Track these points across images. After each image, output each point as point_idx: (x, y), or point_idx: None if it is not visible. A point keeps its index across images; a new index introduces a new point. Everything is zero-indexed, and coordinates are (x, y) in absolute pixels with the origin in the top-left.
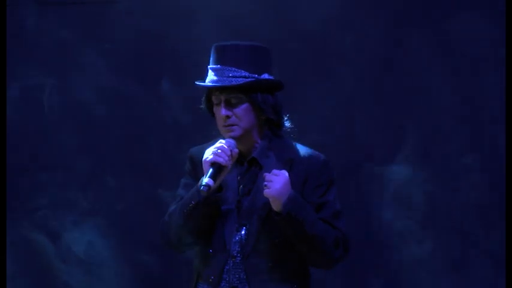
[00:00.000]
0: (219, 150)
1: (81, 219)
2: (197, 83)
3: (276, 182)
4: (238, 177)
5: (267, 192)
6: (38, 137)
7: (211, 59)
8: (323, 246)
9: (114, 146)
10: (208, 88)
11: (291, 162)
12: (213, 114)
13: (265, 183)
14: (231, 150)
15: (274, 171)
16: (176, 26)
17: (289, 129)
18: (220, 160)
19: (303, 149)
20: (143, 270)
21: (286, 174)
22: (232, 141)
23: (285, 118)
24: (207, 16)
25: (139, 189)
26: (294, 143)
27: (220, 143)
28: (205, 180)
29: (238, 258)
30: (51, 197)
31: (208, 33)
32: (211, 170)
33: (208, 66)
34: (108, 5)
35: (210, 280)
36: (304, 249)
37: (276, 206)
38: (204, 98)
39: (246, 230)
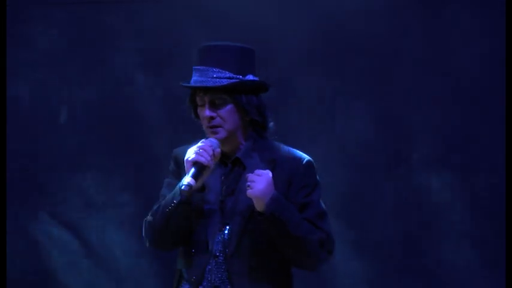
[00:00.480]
0: (200, 150)
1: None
2: (182, 83)
3: (259, 182)
4: (222, 178)
5: (249, 192)
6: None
7: (196, 59)
8: (308, 246)
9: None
10: (192, 89)
11: (274, 162)
12: (197, 116)
13: (248, 183)
14: (213, 150)
15: (257, 171)
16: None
17: (272, 131)
18: (202, 160)
19: (287, 150)
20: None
21: (270, 174)
22: (214, 140)
23: (270, 120)
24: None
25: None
26: (278, 144)
27: (203, 142)
28: (187, 179)
29: (221, 258)
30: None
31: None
32: (193, 169)
33: (193, 67)
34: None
35: (193, 280)
36: (289, 250)
37: (259, 206)
38: (188, 99)
39: (228, 229)
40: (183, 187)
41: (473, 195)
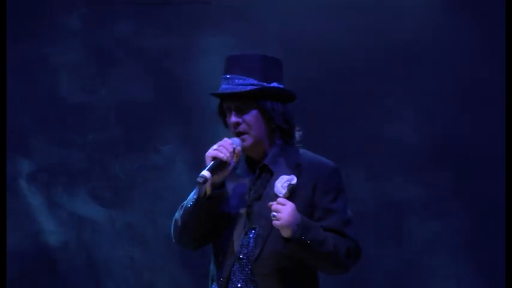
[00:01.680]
0: (220, 146)
1: None
2: (210, 92)
3: (284, 211)
4: (250, 184)
5: (276, 223)
6: None
7: (224, 69)
8: (334, 259)
9: None
10: (219, 97)
11: (299, 167)
12: (226, 124)
13: (273, 213)
14: (234, 148)
15: (280, 200)
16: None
17: (299, 139)
18: (221, 155)
19: (312, 156)
20: None
21: (292, 204)
22: (237, 139)
23: (297, 129)
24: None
25: None
26: (304, 151)
27: (225, 140)
28: (203, 172)
29: (244, 261)
30: None
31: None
32: (210, 163)
33: (221, 76)
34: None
35: (220, 281)
36: (317, 264)
37: (285, 233)
38: (217, 108)
39: (254, 233)
40: (197, 178)
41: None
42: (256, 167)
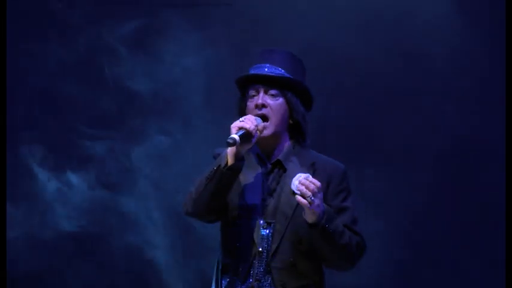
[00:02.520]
0: (246, 119)
1: None
2: (249, 72)
3: (318, 197)
4: (263, 177)
5: (308, 205)
6: None
7: (257, 59)
8: (347, 252)
9: None
10: (254, 78)
11: (314, 166)
12: (241, 112)
13: (312, 198)
14: (257, 123)
15: (318, 183)
16: None
17: (308, 144)
18: (247, 126)
19: (324, 158)
20: None
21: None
22: (259, 119)
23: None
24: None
25: None
26: (315, 152)
27: (249, 116)
28: (232, 136)
29: (264, 254)
30: None
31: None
32: (239, 131)
33: (253, 65)
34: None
35: (238, 272)
36: (331, 255)
37: (311, 218)
38: (240, 95)
39: (272, 228)
40: (228, 139)
41: None
42: (269, 161)
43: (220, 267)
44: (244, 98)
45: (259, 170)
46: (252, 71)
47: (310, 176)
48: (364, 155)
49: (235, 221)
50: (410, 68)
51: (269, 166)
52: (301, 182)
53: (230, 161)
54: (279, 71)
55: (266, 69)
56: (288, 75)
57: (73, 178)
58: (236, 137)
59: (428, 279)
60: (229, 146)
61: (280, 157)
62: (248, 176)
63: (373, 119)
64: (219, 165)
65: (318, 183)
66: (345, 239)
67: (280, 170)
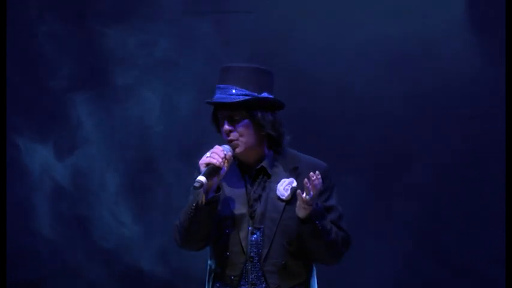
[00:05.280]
0: (212, 153)
1: None
2: (206, 101)
3: (316, 192)
4: (247, 186)
5: (305, 197)
6: None
7: (218, 78)
8: (335, 248)
9: None
10: (213, 105)
11: (296, 170)
12: (219, 130)
13: (309, 186)
14: (225, 154)
15: (319, 177)
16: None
17: (287, 143)
18: (214, 161)
19: (306, 158)
20: None
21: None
22: (227, 146)
23: (285, 135)
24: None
25: None
26: (296, 152)
27: (216, 147)
28: (199, 178)
29: (256, 259)
30: None
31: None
32: (204, 169)
33: (216, 85)
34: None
35: (231, 279)
36: (319, 251)
37: (303, 213)
38: (211, 115)
39: (261, 233)
40: (194, 183)
41: None
42: (251, 170)
43: (212, 275)
44: (216, 116)
45: (242, 179)
46: (216, 95)
47: (319, 174)
48: None
49: (223, 231)
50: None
51: (253, 173)
52: (311, 178)
53: (204, 199)
54: (240, 91)
55: (226, 93)
56: (249, 93)
57: None
58: (202, 178)
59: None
60: (197, 189)
61: (263, 164)
62: (232, 186)
63: None
64: (197, 202)
65: (321, 183)
66: (332, 236)
67: (264, 177)
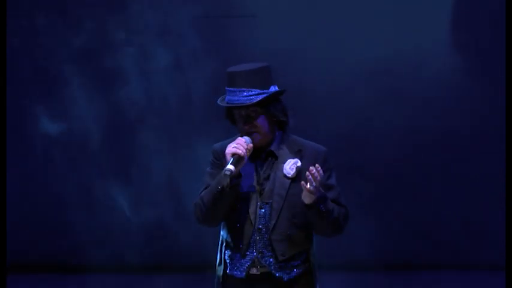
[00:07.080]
0: (237, 144)
1: None
2: (222, 104)
3: (319, 182)
4: (258, 167)
5: (309, 188)
6: None
7: (227, 82)
8: (336, 223)
9: None
10: (232, 108)
11: (301, 152)
12: (233, 122)
13: (311, 179)
14: (247, 145)
15: (321, 170)
16: None
17: (292, 126)
18: (239, 152)
19: (306, 142)
20: None
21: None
22: (248, 138)
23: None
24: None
25: None
26: (297, 138)
27: (239, 139)
28: (228, 167)
29: (264, 230)
30: None
31: None
32: (232, 159)
33: (226, 88)
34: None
35: (240, 247)
36: (323, 227)
37: (308, 200)
38: (225, 113)
39: (269, 207)
40: (225, 172)
41: None
42: (262, 152)
43: (224, 244)
44: (230, 114)
45: (253, 162)
46: (228, 97)
47: (319, 166)
48: None
49: (235, 206)
50: None
51: (263, 156)
52: (311, 172)
53: (230, 183)
54: (252, 92)
55: (240, 95)
56: (260, 92)
57: None
58: (231, 167)
59: None
60: (227, 177)
61: (271, 148)
62: (245, 168)
63: None
64: (223, 186)
65: (322, 173)
66: (334, 215)
67: (272, 159)
